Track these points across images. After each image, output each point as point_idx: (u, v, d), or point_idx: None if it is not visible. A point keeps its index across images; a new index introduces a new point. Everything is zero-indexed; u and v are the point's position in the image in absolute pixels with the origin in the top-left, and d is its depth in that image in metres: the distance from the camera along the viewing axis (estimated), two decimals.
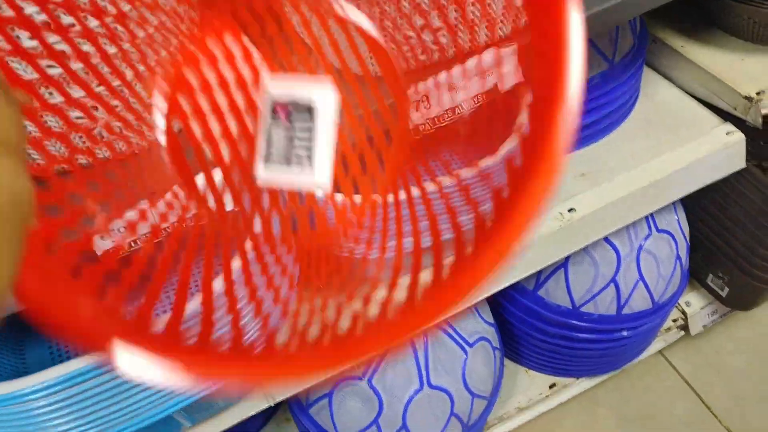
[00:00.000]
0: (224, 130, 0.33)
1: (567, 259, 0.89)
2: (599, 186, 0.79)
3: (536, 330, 0.96)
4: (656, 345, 1.12)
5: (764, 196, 0.88)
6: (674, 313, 1.12)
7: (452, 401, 0.86)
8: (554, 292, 0.91)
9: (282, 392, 0.74)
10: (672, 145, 0.82)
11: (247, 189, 0.32)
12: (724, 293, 1.06)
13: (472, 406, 0.89)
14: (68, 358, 0.62)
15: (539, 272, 0.92)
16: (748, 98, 0.79)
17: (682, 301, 1.12)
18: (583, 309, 0.91)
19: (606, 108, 0.80)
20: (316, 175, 0.30)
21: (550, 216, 0.78)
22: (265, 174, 0.31)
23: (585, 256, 0.88)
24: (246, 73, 0.33)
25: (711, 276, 1.06)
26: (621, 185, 0.79)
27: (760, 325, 1.19)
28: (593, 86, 0.77)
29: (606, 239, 0.87)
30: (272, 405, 0.74)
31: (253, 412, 0.74)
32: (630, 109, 0.85)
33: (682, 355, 1.17)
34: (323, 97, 0.30)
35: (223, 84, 0.33)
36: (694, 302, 1.11)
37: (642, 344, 1.04)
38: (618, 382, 1.14)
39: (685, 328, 1.12)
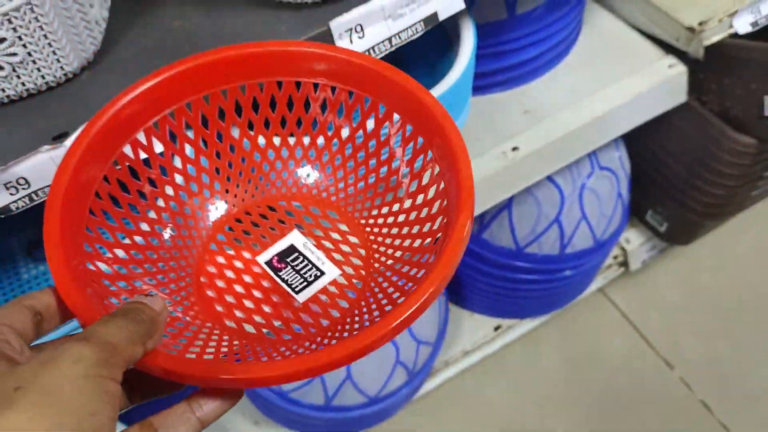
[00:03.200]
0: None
1: (510, 200, 0.87)
2: (542, 123, 0.77)
3: (481, 273, 0.95)
4: (597, 283, 1.13)
5: (703, 130, 0.88)
6: (614, 251, 1.13)
7: (397, 349, 0.84)
8: (498, 235, 0.90)
9: None
10: (615, 79, 0.80)
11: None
12: (662, 228, 1.07)
13: (417, 353, 0.88)
14: None
15: (483, 215, 0.90)
16: (690, 29, 0.77)
17: (621, 238, 1.13)
18: (527, 250, 0.90)
19: (549, 41, 0.77)
20: (329, 275, 0.42)
21: (493, 155, 0.75)
22: (303, 298, 0.41)
23: (528, 197, 0.87)
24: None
25: (650, 212, 1.07)
26: (564, 122, 0.77)
27: (697, 259, 1.22)
28: (535, 18, 0.74)
29: (549, 178, 0.85)
30: None
31: None
32: (572, 43, 0.83)
33: (622, 291, 1.19)
34: (294, 237, 0.43)
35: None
36: (633, 239, 1.12)
37: (584, 283, 1.04)
38: (560, 321, 1.15)
39: (624, 264, 1.14)
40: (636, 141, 0.97)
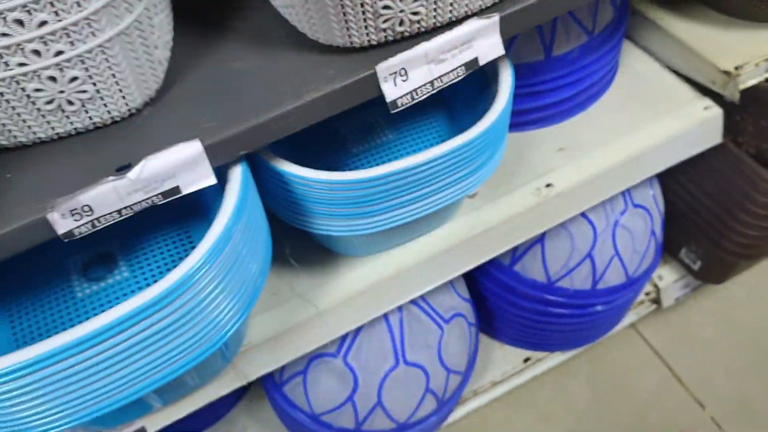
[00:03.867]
0: None
1: (544, 234, 0.88)
2: (577, 161, 0.78)
3: (512, 305, 0.96)
4: (629, 318, 1.13)
5: (739, 171, 0.89)
6: (647, 287, 1.13)
7: (428, 377, 0.86)
8: (530, 267, 0.91)
9: (255, 371, 0.72)
10: (650, 119, 0.81)
11: None
12: (696, 267, 1.07)
13: (447, 381, 0.89)
14: (33, 339, 0.60)
15: (515, 247, 0.91)
16: (727, 73, 0.78)
17: (654, 274, 1.12)
18: (559, 284, 0.91)
19: (585, 81, 0.78)
20: None
21: (527, 191, 0.77)
22: None
23: (562, 231, 0.88)
24: None
25: (684, 250, 1.07)
26: (599, 160, 0.78)
27: (730, 298, 1.21)
28: (572, 59, 0.76)
29: (583, 214, 0.87)
30: (245, 385, 0.73)
31: (225, 392, 0.72)
32: (608, 83, 0.84)
33: (654, 327, 1.18)
34: None
35: None
36: (666, 276, 1.12)
37: (615, 318, 1.04)
38: (590, 354, 1.15)
39: (657, 301, 1.14)
40: (671, 179, 0.98)
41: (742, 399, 1.10)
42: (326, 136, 0.76)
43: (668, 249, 1.10)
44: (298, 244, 0.74)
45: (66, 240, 0.47)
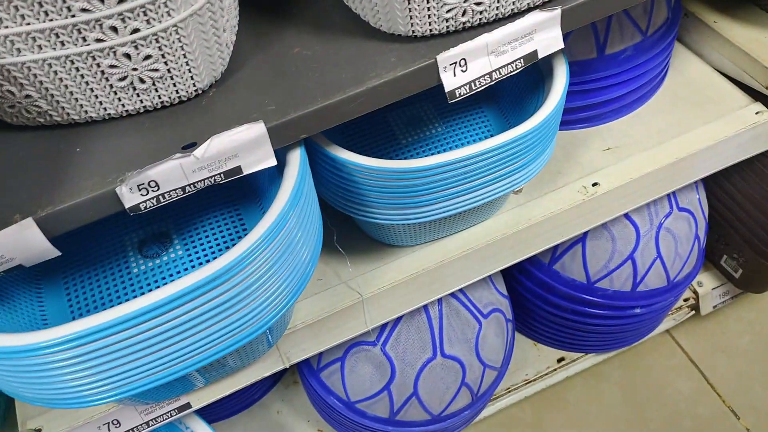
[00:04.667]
0: None
1: (585, 234, 0.88)
2: (624, 161, 0.78)
3: (549, 304, 0.96)
4: (665, 324, 1.12)
5: None
6: (686, 293, 1.12)
7: (464, 371, 0.86)
8: (570, 267, 0.91)
9: (298, 354, 0.73)
10: (699, 122, 0.80)
11: None
12: (737, 275, 1.06)
13: (483, 376, 0.89)
14: (88, 311, 0.62)
15: (556, 246, 0.91)
16: None
17: (694, 281, 1.11)
18: (598, 285, 0.91)
19: (636, 82, 0.78)
20: None
21: (573, 189, 0.77)
22: None
23: (603, 232, 0.88)
24: None
25: (725, 257, 1.06)
26: (646, 161, 0.78)
27: None
28: (625, 58, 0.76)
29: (626, 215, 0.86)
30: (287, 366, 0.74)
31: (267, 373, 0.74)
32: (659, 84, 0.84)
33: (690, 334, 1.17)
34: None
35: None
36: (706, 282, 1.11)
37: (653, 322, 1.04)
38: (624, 358, 1.14)
39: (695, 307, 1.12)
40: (717, 184, 0.97)
41: None
42: (376, 126, 0.77)
43: (710, 256, 1.09)
44: (344, 231, 0.75)
45: (132, 214, 0.49)
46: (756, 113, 0.80)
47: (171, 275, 0.62)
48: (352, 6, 0.54)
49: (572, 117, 0.80)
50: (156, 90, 0.50)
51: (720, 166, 0.82)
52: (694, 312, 1.13)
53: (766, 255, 0.97)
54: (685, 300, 1.12)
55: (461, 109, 0.77)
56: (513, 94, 0.74)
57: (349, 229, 0.75)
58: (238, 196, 0.69)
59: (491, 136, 0.74)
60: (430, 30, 0.53)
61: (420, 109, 0.78)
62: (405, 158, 0.74)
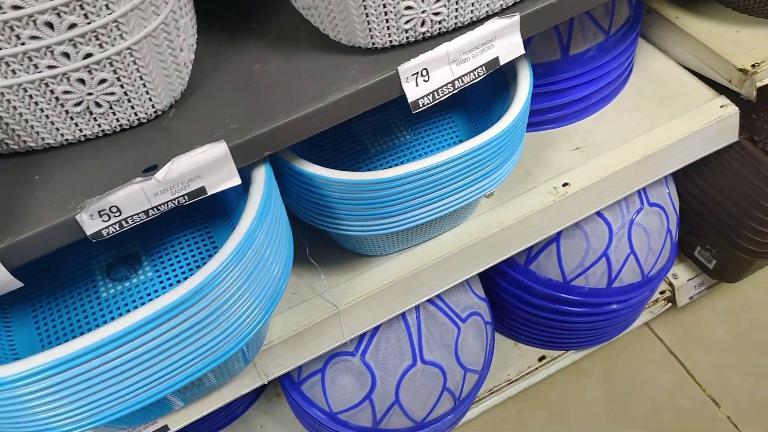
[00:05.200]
0: None
1: (559, 233, 0.88)
2: (593, 160, 0.79)
3: (527, 304, 0.96)
4: (643, 317, 1.13)
5: (754, 169, 0.89)
6: (662, 286, 1.13)
7: (445, 376, 0.86)
8: (545, 266, 0.91)
9: (275, 370, 0.73)
10: (666, 118, 0.81)
11: None
12: (711, 265, 1.07)
13: (464, 380, 0.89)
14: (58, 339, 0.61)
15: (531, 247, 0.91)
16: (743, 71, 0.78)
17: (669, 273, 1.12)
18: (574, 283, 0.91)
19: (601, 81, 0.79)
20: None
21: (544, 190, 0.77)
22: None
23: (577, 230, 0.88)
24: None
25: (698, 248, 1.07)
26: (614, 159, 0.78)
27: (744, 296, 1.21)
28: (589, 58, 0.76)
29: (598, 213, 0.87)
30: (265, 383, 0.73)
31: (245, 391, 0.73)
32: (624, 82, 0.84)
33: (668, 326, 1.18)
34: None
35: None
36: (681, 274, 1.12)
37: (631, 317, 1.05)
38: (604, 353, 1.15)
39: (672, 300, 1.14)
40: (686, 178, 0.98)
41: (757, 398, 1.10)
42: (344, 137, 0.76)
43: (683, 248, 1.10)
44: (317, 243, 0.75)
45: (94, 240, 0.48)
46: (721, 107, 0.81)
47: (141, 298, 0.61)
48: (312, 20, 0.54)
49: (540, 118, 0.80)
50: (114, 113, 0.49)
51: (688, 160, 0.83)
52: (670, 304, 1.14)
53: (738, 245, 0.99)
54: (662, 293, 1.13)
55: (429, 116, 0.77)
56: (480, 100, 0.74)
57: (322, 241, 0.75)
58: (208, 214, 0.68)
59: (460, 141, 0.74)
60: (390, 41, 0.52)
61: (388, 118, 0.77)
62: (374, 168, 0.73)
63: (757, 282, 1.21)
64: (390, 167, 0.64)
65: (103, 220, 0.48)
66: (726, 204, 0.96)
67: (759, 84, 0.78)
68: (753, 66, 0.78)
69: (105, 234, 0.48)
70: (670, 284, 1.12)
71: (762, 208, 0.90)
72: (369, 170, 0.73)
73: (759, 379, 1.11)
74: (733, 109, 0.81)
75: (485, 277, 0.98)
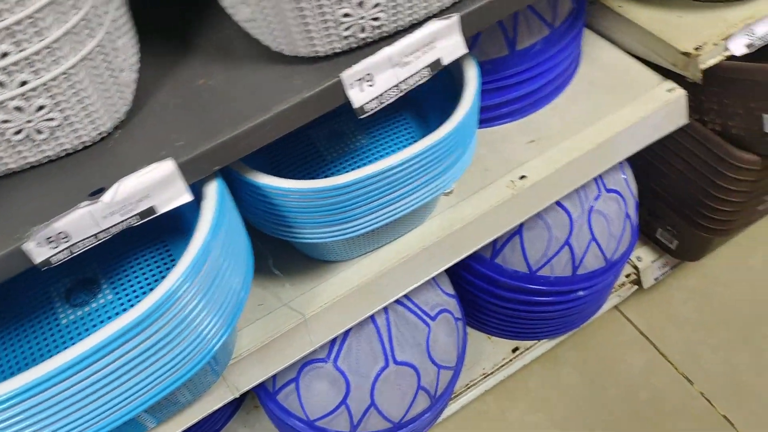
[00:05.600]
0: None
1: (521, 225, 0.89)
2: (548, 151, 0.80)
3: (496, 297, 0.97)
4: (611, 301, 1.15)
5: (706, 149, 0.91)
6: (627, 269, 1.15)
7: (418, 375, 0.86)
8: (511, 259, 0.92)
9: (246, 383, 0.73)
10: (616, 106, 0.82)
11: None
12: (673, 245, 1.09)
13: (438, 377, 0.90)
14: (19, 369, 0.60)
15: (495, 240, 0.92)
16: (687, 54, 0.80)
17: (633, 256, 1.14)
18: (540, 273, 0.92)
19: (550, 73, 0.80)
20: None
21: (502, 184, 0.78)
22: None
23: (538, 221, 0.89)
24: None
25: (660, 230, 1.09)
26: (568, 149, 0.80)
27: (709, 273, 1.23)
28: (536, 52, 0.77)
29: (558, 203, 0.88)
30: (237, 397, 0.73)
31: (217, 406, 0.72)
32: (573, 73, 0.86)
33: (637, 308, 1.20)
34: None
35: None
36: (645, 257, 1.14)
37: (598, 302, 1.06)
38: (577, 339, 1.17)
39: (637, 282, 1.16)
40: (643, 162, 0.99)
41: (729, 372, 1.12)
42: (300, 145, 0.76)
43: (645, 230, 1.12)
44: (280, 253, 0.75)
45: (44, 269, 0.47)
46: (668, 91, 0.83)
47: (102, 322, 0.61)
48: (253, 32, 0.54)
49: (493, 114, 0.81)
50: (56, 139, 0.49)
51: (640, 145, 0.85)
52: (637, 287, 1.16)
53: (697, 224, 1.01)
54: (627, 276, 1.14)
55: (382, 119, 0.77)
56: (432, 99, 0.75)
57: (285, 251, 0.75)
58: (166, 231, 0.67)
59: (415, 142, 0.74)
60: (332, 49, 0.53)
61: (343, 123, 0.78)
62: (332, 174, 0.74)
63: (720, 258, 1.23)
64: (348, 172, 0.64)
65: (51, 248, 0.47)
66: (682, 185, 0.98)
67: (703, 66, 0.80)
68: (696, 49, 0.80)
69: (54, 261, 0.48)
70: (635, 267, 1.14)
71: (716, 187, 0.92)
72: (327, 177, 0.74)
73: (729, 353, 1.14)
74: (680, 92, 0.82)
75: (453, 273, 0.98)
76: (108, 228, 0.48)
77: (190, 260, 0.50)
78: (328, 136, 0.77)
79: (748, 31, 0.81)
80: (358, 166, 0.74)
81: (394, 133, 0.76)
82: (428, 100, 0.75)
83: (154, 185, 0.49)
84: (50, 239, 0.47)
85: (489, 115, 0.81)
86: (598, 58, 0.88)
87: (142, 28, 0.54)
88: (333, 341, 0.83)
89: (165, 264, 0.65)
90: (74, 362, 0.47)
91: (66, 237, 0.47)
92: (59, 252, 0.47)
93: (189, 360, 0.55)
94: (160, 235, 0.67)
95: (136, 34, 0.53)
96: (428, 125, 0.76)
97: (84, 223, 0.47)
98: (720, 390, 1.10)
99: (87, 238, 0.48)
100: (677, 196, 1.00)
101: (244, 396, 1.07)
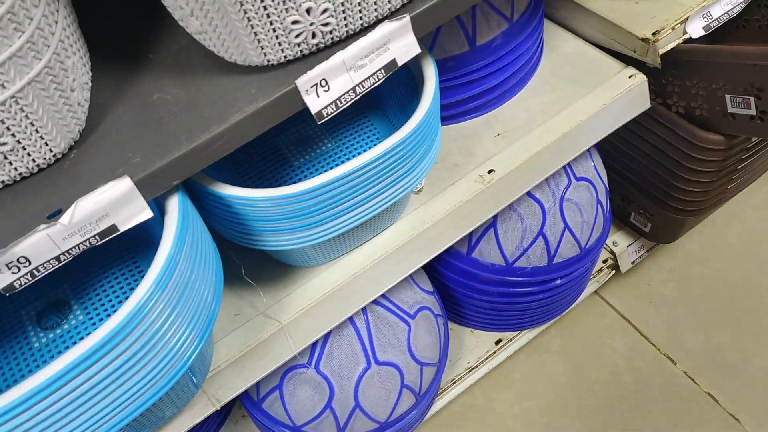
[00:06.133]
0: None
1: (495, 218, 0.90)
2: (514, 144, 0.80)
3: (475, 291, 0.98)
4: (591, 287, 1.16)
5: (671, 132, 0.91)
6: (604, 254, 1.16)
7: (401, 374, 0.87)
8: (487, 252, 0.93)
9: (227, 394, 0.72)
10: (579, 95, 0.83)
11: None
12: (647, 229, 1.10)
13: (421, 375, 0.90)
14: (7, 385, 0.60)
15: (470, 234, 0.93)
16: (645, 40, 0.81)
17: (609, 241, 1.15)
18: (517, 264, 0.93)
19: (512, 67, 0.80)
20: None
21: (471, 179, 0.78)
22: None
23: (511, 213, 0.90)
24: None
25: (633, 214, 1.10)
26: (535, 141, 0.80)
27: (686, 254, 1.24)
28: (496, 47, 0.77)
29: (529, 194, 0.89)
30: (219, 408, 0.73)
31: (200, 419, 0.72)
32: (536, 65, 0.86)
33: (617, 292, 1.21)
34: None
35: None
36: (620, 241, 1.15)
37: (577, 289, 1.07)
38: (560, 327, 1.18)
39: (615, 267, 1.17)
40: (612, 148, 1.00)
41: (710, 350, 1.13)
42: (268, 153, 0.76)
43: (619, 215, 1.13)
44: (252, 262, 0.75)
45: (8, 293, 0.47)
46: (629, 77, 0.84)
47: (74, 343, 0.60)
48: (206, 44, 0.54)
49: (459, 110, 0.82)
50: (10, 163, 0.48)
51: (606, 132, 0.85)
52: (615, 271, 1.17)
53: (668, 206, 1.02)
54: (604, 261, 1.15)
55: (346, 122, 0.77)
56: (394, 99, 0.75)
57: (258, 259, 0.75)
58: (134, 246, 0.67)
59: (380, 142, 0.74)
60: (285, 56, 0.53)
61: (308, 129, 0.78)
62: (300, 180, 0.74)
63: (696, 238, 1.25)
64: (315, 176, 0.64)
65: (12, 272, 0.47)
66: (651, 168, 0.99)
67: (662, 51, 0.81)
68: (654, 34, 0.81)
69: (17, 286, 0.47)
70: (612, 252, 1.15)
71: (684, 168, 0.93)
72: (294, 183, 0.74)
73: (709, 331, 1.15)
74: (641, 78, 0.83)
75: (431, 270, 0.99)
76: (68, 249, 0.48)
77: (155, 276, 0.50)
78: (294, 141, 0.77)
79: (705, 13, 0.82)
80: (325, 170, 0.74)
81: (359, 134, 0.77)
82: (391, 100, 0.76)
83: (112, 204, 0.48)
84: (11, 264, 0.46)
85: (455, 111, 0.81)
86: (560, 49, 0.89)
87: (92, 45, 0.54)
88: (313, 346, 0.83)
89: (135, 280, 0.65)
90: (44, 386, 0.47)
91: (26, 261, 0.47)
92: (21, 276, 0.47)
93: (164, 374, 0.55)
94: (130, 251, 0.67)
95: (87, 53, 0.53)
96: (392, 124, 0.76)
97: (43, 246, 0.47)
98: (703, 368, 1.11)
99: (48, 261, 0.47)
100: (647, 180, 1.01)
101: (231, 406, 1.07)
